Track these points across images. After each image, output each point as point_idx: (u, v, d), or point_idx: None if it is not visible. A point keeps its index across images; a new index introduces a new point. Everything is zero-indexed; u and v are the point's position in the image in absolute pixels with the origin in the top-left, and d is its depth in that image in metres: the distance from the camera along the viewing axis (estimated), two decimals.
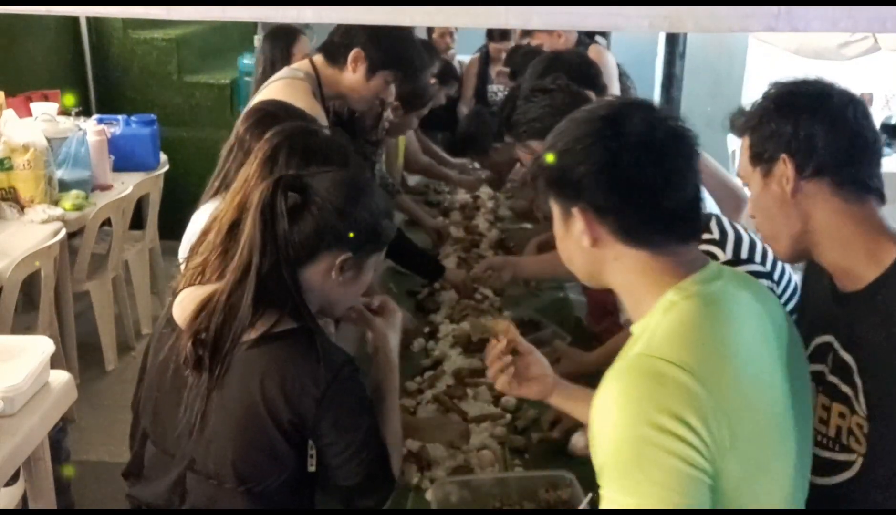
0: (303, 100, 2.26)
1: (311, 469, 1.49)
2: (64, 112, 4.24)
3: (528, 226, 3.38)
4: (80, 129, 3.96)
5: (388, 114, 3.02)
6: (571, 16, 1.06)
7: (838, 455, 1.38)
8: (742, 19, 1.05)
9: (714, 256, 1.68)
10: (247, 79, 5.34)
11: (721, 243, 1.72)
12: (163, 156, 4.47)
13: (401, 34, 2.45)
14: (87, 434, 3.48)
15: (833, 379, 1.40)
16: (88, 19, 5.30)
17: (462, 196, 3.82)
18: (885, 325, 1.31)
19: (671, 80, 4.53)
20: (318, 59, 2.48)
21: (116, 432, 3.34)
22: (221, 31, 6.09)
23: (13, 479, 2.13)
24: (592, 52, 3.78)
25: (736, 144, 1.43)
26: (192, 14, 1.20)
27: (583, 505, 1.55)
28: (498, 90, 4.72)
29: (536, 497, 1.70)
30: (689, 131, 1.21)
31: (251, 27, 6.03)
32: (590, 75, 2.71)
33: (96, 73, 5.51)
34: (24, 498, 2.19)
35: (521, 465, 1.88)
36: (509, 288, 2.71)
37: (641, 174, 1.16)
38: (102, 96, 5.51)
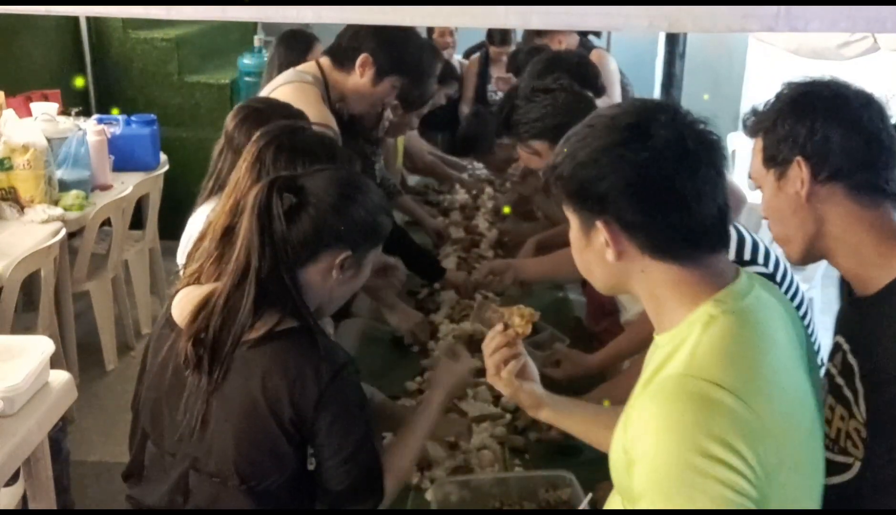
0: (314, 108, 2.25)
1: (311, 467, 1.49)
2: (65, 110, 4.24)
3: (526, 223, 3.37)
4: (80, 129, 3.96)
5: (388, 113, 3.02)
6: (571, 16, 1.06)
7: (837, 457, 1.38)
8: (742, 19, 1.05)
9: None
10: (247, 79, 5.35)
11: None
12: (163, 156, 4.47)
13: (409, 39, 2.43)
14: (87, 434, 3.48)
15: (840, 381, 1.40)
16: (88, 19, 5.30)
17: (462, 196, 3.82)
18: (889, 333, 1.30)
19: (671, 80, 4.53)
20: (325, 61, 2.46)
21: (116, 432, 3.35)
22: (221, 31, 6.09)
23: (13, 479, 2.13)
24: (594, 56, 3.78)
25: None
26: (192, 14, 1.21)
27: (583, 505, 1.55)
28: (498, 90, 4.72)
29: (536, 497, 1.70)
30: (717, 135, 1.16)
31: (251, 27, 6.03)
32: (589, 76, 2.71)
33: (96, 73, 5.51)
34: (24, 498, 2.19)
35: (521, 465, 1.89)
36: (508, 289, 2.71)
37: (673, 187, 1.11)
38: (102, 96, 5.51)
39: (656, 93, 5.45)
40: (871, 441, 1.32)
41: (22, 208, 3.50)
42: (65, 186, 3.71)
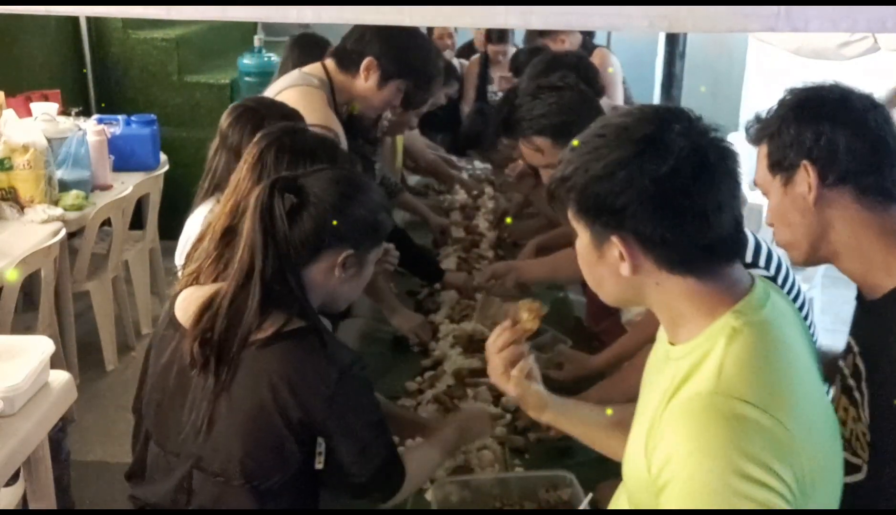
0: (320, 112, 2.26)
1: (319, 466, 1.50)
2: (65, 110, 4.24)
3: (526, 222, 3.37)
4: (80, 129, 3.96)
5: (387, 113, 3.02)
6: (571, 16, 1.07)
7: (850, 458, 1.37)
8: (742, 19, 1.05)
9: None
10: (247, 79, 5.35)
11: None
12: (163, 156, 4.47)
13: (414, 42, 2.42)
14: (87, 434, 3.47)
15: (851, 382, 1.39)
16: (88, 19, 5.30)
17: (462, 196, 3.81)
18: (893, 338, 1.30)
19: (671, 80, 4.52)
20: (331, 64, 2.45)
21: (116, 432, 3.35)
22: (221, 31, 6.09)
23: (13, 479, 2.13)
24: (597, 56, 3.78)
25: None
26: (192, 14, 1.21)
27: (583, 505, 1.55)
28: (500, 90, 4.72)
29: (536, 497, 1.70)
30: (731, 144, 1.14)
31: (251, 27, 6.03)
32: (588, 77, 2.71)
33: (96, 73, 5.51)
34: (24, 498, 2.19)
35: (521, 465, 1.89)
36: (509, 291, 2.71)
37: (693, 200, 1.08)
38: (102, 96, 5.51)
39: (656, 93, 5.45)
40: (875, 445, 1.32)
41: (22, 208, 3.50)
42: (65, 186, 3.71)
